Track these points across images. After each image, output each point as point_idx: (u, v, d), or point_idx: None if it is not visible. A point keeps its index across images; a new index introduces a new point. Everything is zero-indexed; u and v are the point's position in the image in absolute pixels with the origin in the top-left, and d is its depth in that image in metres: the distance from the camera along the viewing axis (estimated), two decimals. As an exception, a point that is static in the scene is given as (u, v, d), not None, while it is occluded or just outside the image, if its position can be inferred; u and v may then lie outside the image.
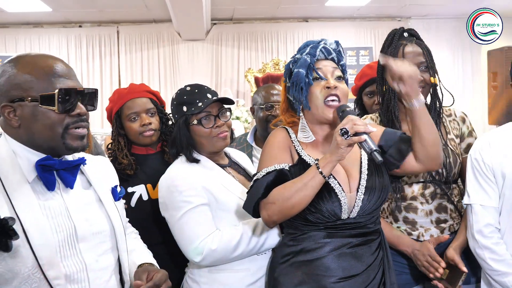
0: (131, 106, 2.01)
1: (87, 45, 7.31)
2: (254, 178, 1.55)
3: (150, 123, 2.00)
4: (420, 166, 1.57)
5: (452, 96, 1.89)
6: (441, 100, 1.89)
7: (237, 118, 6.30)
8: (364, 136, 1.37)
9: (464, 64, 7.58)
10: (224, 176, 1.74)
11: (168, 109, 2.15)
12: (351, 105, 1.83)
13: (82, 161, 1.27)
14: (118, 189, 1.41)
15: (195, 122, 1.70)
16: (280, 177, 1.51)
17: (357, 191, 1.52)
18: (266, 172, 1.52)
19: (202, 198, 1.65)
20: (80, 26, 7.36)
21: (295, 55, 1.63)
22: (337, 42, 1.63)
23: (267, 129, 2.37)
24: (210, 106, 1.71)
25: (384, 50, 1.89)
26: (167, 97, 6.76)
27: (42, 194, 1.18)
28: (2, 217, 1.07)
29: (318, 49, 1.57)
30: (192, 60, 7.41)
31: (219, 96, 1.75)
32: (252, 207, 1.52)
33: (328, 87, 1.52)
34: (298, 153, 1.58)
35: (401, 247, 1.80)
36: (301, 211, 1.49)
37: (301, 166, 1.54)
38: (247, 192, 1.56)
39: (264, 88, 2.49)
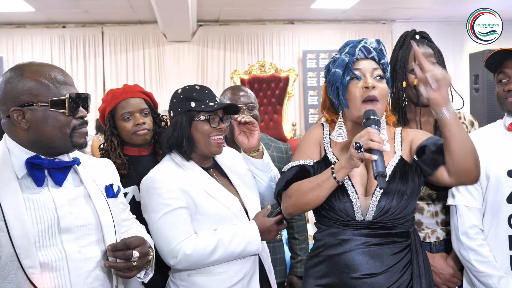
0: (125, 106, 2.01)
1: (71, 46, 7.22)
2: (282, 170, 1.66)
3: (144, 123, 2.00)
4: (452, 180, 1.50)
5: (462, 99, 1.91)
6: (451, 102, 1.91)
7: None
8: (375, 157, 1.35)
9: (447, 67, 7.68)
10: (206, 180, 1.73)
11: (160, 111, 2.14)
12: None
13: (73, 163, 1.36)
14: (115, 187, 1.46)
15: (202, 118, 1.70)
16: (302, 172, 1.59)
17: (372, 195, 1.51)
18: (291, 166, 1.63)
19: (181, 201, 1.65)
20: (63, 27, 7.27)
21: (335, 55, 1.63)
22: (378, 41, 1.61)
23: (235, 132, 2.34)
24: (218, 109, 1.73)
25: (396, 52, 1.91)
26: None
27: (30, 189, 1.27)
28: None
29: (357, 48, 1.57)
30: (178, 61, 7.38)
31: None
32: (276, 196, 1.64)
33: (366, 87, 1.52)
34: (325, 150, 1.62)
35: None
36: (317, 207, 1.55)
37: (323, 163, 1.58)
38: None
39: (230, 90, 2.38)
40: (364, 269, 1.50)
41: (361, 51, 1.57)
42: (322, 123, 1.71)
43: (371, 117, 1.46)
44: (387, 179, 1.50)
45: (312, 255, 1.63)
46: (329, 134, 1.65)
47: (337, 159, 1.58)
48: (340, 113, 1.62)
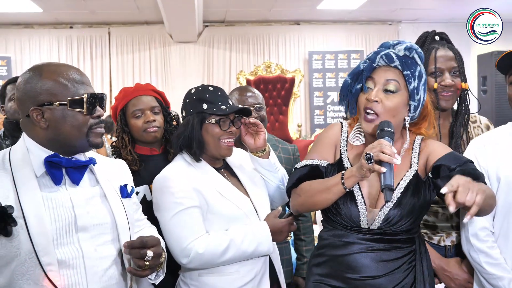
0: (136, 103, 2.03)
1: (78, 46, 7.27)
2: (295, 166, 1.67)
3: (154, 120, 2.02)
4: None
5: (479, 102, 1.89)
6: (468, 106, 1.87)
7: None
8: (383, 169, 1.34)
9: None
10: (218, 180, 1.74)
11: (171, 111, 2.14)
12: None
13: (89, 162, 1.38)
14: (129, 188, 1.48)
15: (213, 121, 1.70)
16: (313, 172, 1.59)
17: (381, 209, 1.50)
18: (304, 164, 1.63)
19: (193, 200, 1.65)
20: (71, 27, 7.31)
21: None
22: (409, 48, 1.51)
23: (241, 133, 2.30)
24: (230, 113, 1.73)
25: None
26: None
27: (48, 187, 1.29)
28: (3, 205, 1.20)
29: (379, 56, 1.51)
30: (184, 62, 7.40)
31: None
32: (286, 192, 1.67)
33: (368, 100, 1.50)
34: (340, 153, 1.61)
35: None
36: (325, 208, 1.56)
37: (337, 167, 1.57)
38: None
39: (237, 91, 2.36)
40: (367, 271, 1.51)
41: (382, 59, 1.51)
42: (341, 122, 1.69)
43: (385, 128, 1.44)
44: (399, 194, 1.49)
45: (316, 254, 1.64)
46: (347, 136, 1.64)
47: (351, 164, 1.56)
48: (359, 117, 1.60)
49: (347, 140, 1.63)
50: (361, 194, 1.52)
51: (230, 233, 1.65)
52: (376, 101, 1.49)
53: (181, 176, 1.68)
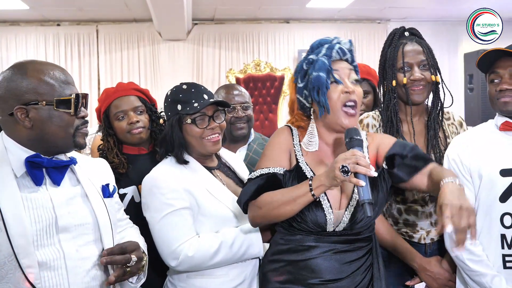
0: (118, 104, 1.98)
1: (66, 44, 7.18)
2: (248, 177, 1.57)
3: (138, 121, 1.97)
4: (429, 191, 1.53)
5: (452, 97, 1.89)
6: (442, 100, 1.88)
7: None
8: (363, 183, 1.30)
9: (441, 67, 7.65)
10: (209, 180, 1.71)
11: (158, 108, 2.12)
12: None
13: (71, 162, 1.36)
14: (111, 187, 1.46)
15: (188, 121, 1.67)
16: (271, 181, 1.51)
17: (346, 209, 1.49)
18: (259, 173, 1.53)
19: (183, 201, 1.63)
20: (58, 25, 7.22)
21: (308, 55, 1.55)
22: (350, 42, 1.55)
23: (231, 131, 2.26)
24: (205, 107, 1.69)
25: (385, 50, 1.88)
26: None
27: (27, 188, 1.27)
28: None
29: (334, 50, 1.49)
30: (173, 60, 7.36)
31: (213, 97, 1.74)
32: (242, 205, 1.55)
33: (347, 92, 1.47)
34: (296, 159, 1.55)
35: (410, 262, 1.80)
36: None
37: (296, 174, 1.52)
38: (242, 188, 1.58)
39: (224, 89, 2.32)
40: (329, 275, 1.49)
41: (338, 53, 1.50)
42: (289, 127, 1.62)
43: (354, 137, 1.40)
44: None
45: (271, 260, 1.59)
46: (299, 141, 1.57)
47: (311, 169, 1.52)
48: (312, 119, 1.55)
49: (300, 145, 1.56)
50: (326, 198, 1.48)
51: (220, 235, 1.63)
52: (354, 91, 1.48)
53: (171, 177, 1.65)
